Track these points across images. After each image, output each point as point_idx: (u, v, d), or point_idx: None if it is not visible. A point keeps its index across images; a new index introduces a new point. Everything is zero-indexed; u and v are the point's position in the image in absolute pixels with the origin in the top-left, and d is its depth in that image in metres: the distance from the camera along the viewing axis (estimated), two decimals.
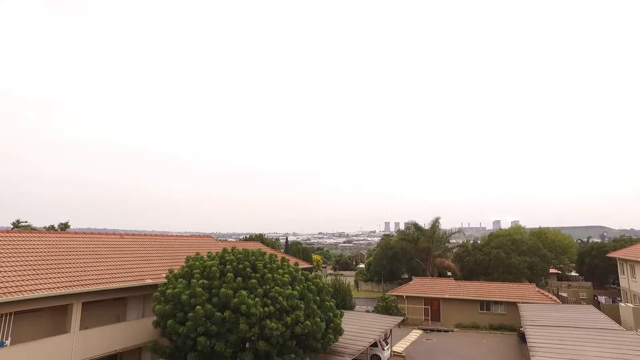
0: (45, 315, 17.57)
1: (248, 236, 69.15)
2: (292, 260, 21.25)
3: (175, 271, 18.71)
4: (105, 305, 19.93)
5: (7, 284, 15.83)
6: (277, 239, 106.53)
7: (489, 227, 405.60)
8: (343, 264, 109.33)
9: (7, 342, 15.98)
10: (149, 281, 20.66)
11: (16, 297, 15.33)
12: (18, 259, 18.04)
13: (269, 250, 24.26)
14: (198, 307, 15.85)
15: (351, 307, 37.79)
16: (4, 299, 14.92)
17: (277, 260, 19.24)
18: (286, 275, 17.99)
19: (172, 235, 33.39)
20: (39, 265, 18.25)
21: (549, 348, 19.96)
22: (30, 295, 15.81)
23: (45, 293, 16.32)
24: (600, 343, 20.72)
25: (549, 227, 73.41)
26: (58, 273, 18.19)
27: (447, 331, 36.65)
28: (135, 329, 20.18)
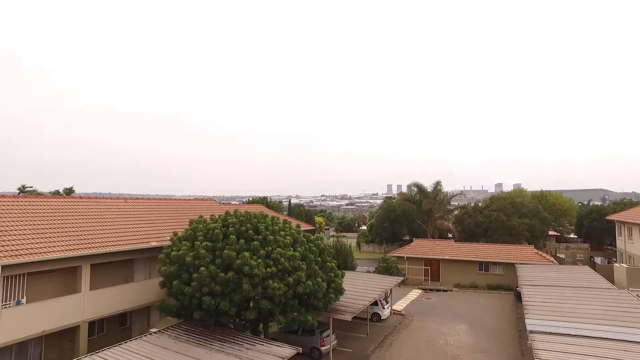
0: (57, 276, 18.21)
1: (251, 199, 69.86)
2: (294, 223, 21.58)
3: (179, 234, 19.13)
4: (112, 267, 20.56)
5: (18, 247, 16.33)
6: (280, 202, 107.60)
7: (491, 189, 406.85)
8: (345, 226, 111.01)
9: (23, 301, 16.73)
10: (154, 244, 21.18)
11: (27, 259, 15.88)
12: (26, 223, 18.46)
13: (271, 213, 24.61)
14: (202, 268, 16.33)
15: (353, 268, 38.74)
16: (16, 260, 15.45)
17: (279, 223, 19.56)
18: (288, 237, 18.37)
19: (175, 199, 33.80)
20: (47, 229, 18.70)
21: (542, 306, 20.62)
22: (41, 257, 16.37)
23: (55, 255, 16.85)
24: (593, 301, 21.37)
25: (550, 190, 73.68)
26: (66, 236, 18.66)
27: (446, 291, 37.75)
28: (142, 290, 20.92)
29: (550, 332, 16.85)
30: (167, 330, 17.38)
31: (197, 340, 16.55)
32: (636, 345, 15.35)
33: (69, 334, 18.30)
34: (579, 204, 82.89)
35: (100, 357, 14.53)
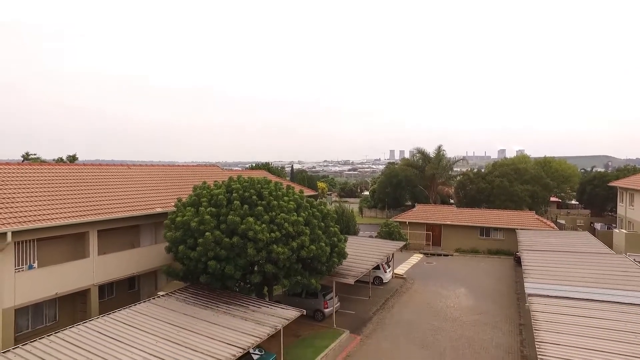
0: (65, 242, 18.55)
1: (254, 165, 69.96)
2: (297, 188, 21.69)
3: (184, 200, 19.29)
4: (119, 232, 20.88)
5: (26, 214, 16.54)
6: (283, 168, 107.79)
7: (494, 156, 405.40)
8: (348, 192, 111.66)
9: (35, 265, 17.16)
10: (158, 210, 21.41)
11: (36, 225, 16.14)
12: (33, 190, 18.61)
13: (274, 179, 24.68)
14: (207, 233, 16.60)
15: (355, 233, 39.28)
16: (25, 226, 15.71)
17: (283, 188, 19.68)
18: (291, 202, 18.53)
19: (179, 165, 33.85)
20: (53, 196, 18.86)
21: (541, 270, 21.02)
22: (49, 223, 16.61)
23: (62, 222, 17.10)
24: (590, 265, 21.76)
25: (554, 157, 73.32)
26: (72, 203, 18.85)
27: (447, 255, 38.43)
28: (149, 254, 21.35)
29: (547, 295, 17.27)
30: (174, 294, 17.90)
31: (203, 303, 17.07)
32: (631, 307, 15.77)
33: (80, 296, 18.88)
34: (582, 170, 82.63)
35: (111, 318, 15.05)
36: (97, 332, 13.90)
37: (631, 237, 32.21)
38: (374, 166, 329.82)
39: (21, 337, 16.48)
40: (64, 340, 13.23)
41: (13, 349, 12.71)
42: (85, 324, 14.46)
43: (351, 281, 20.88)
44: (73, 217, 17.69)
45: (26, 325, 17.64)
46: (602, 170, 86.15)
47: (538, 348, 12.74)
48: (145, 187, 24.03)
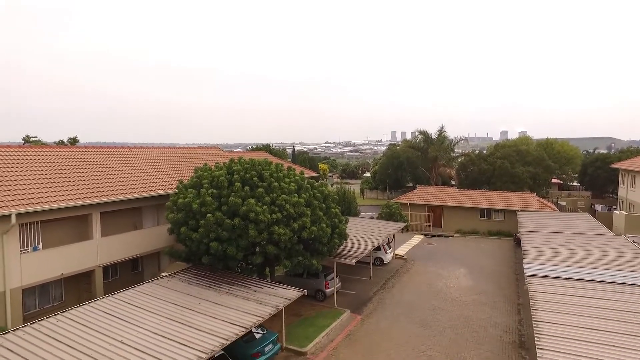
0: (69, 224, 18.74)
1: (255, 146, 69.85)
2: (298, 169, 21.72)
3: (185, 181, 19.37)
4: (121, 214, 21.04)
5: (29, 196, 16.67)
6: (284, 149, 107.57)
7: (496, 137, 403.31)
8: (349, 173, 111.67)
9: (40, 247, 17.37)
10: (160, 191, 21.52)
11: (40, 207, 16.29)
12: (35, 173, 18.69)
13: (275, 160, 24.69)
14: (209, 215, 16.71)
15: (356, 214, 39.49)
16: (29, 209, 15.87)
17: (284, 170, 19.71)
18: (292, 184, 18.59)
19: (179, 147, 33.82)
20: (55, 178, 18.97)
21: (540, 251, 21.20)
22: (52, 206, 16.76)
23: (65, 204, 17.25)
24: (589, 246, 21.92)
25: (556, 138, 72.91)
26: (74, 185, 18.96)
27: (447, 236, 38.68)
28: (151, 236, 21.57)
29: (546, 276, 17.46)
30: (177, 274, 18.15)
31: (206, 283, 17.32)
32: (628, 287, 15.96)
33: (85, 277, 19.18)
34: (584, 152, 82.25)
35: (116, 298, 15.31)
36: (103, 311, 14.17)
37: (631, 219, 32.32)
38: (375, 147, 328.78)
39: (29, 316, 16.85)
40: (70, 319, 13.50)
41: (22, 327, 13.00)
42: (90, 304, 14.72)
43: (352, 262, 21.11)
44: (76, 199, 17.83)
45: (34, 305, 17.99)
46: (605, 152, 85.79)
47: (535, 327, 12.96)
48: (147, 169, 24.10)
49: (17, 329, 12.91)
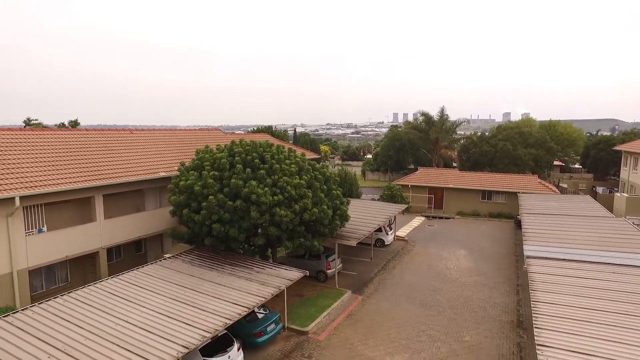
0: (72, 206, 18.93)
1: (256, 128, 69.52)
2: (299, 151, 21.73)
3: (187, 164, 19.41)
4: (124, 197, 21.19)
5: (32, 179, 16.77)
6: (286, 131, 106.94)
7: (499, 119, 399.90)
8: (351, 155, 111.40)
9: (44, 229, 17.58)
10: (162, 174, 21.59)
11: (43, 190, 16.41)
12: (37, 155, 18.74)
13: (276, 142, 24.66)
14: (210, 197, 16.81)
15: (358, 196, 39.60)
16: (32, 191, 15.99)
17: (285, 152, 19.71)
18: (293, 166, 18.61)
19: (180, 129, 33.75)
20: (58, 161, 19.04)
21: (540, 233, 21.34)
22: (55, 188, 16.87)
23: (68, 187, 17.36)
24: (589, 228, 22.05)
25: (559, 120, 72.36)
26: (77, 168, 19.04)
27: (448, 218, 38.88)
28: (154, 218, 21.76)
29: (545, 257, 17.63)
30: (180, 256, 18.38)
31: (209, 265, 17.56)
32: (627, 268, 16.12)
33: (90, 259, 19.45)
34: (588, 134, 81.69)
35: (120, 279, 15.57)
36: (108, 292, 14.43)
37: (632, 201, 32.36)
38: (377, 129, 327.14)
39: (36, 297, 17.18)
40: (77, 299, 13.76)
41: (31, 306, 13.28)
42: (95, 285, 14.98)
43: (353, 243, 21.30)
44: (78, 182, 17.93)
45: (40, 285, 18.33)
46: (608, 134, 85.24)
47: (533, 306, 13.17)
48: (149, 151, 24.13)
49: (26, 308, 13.19)
